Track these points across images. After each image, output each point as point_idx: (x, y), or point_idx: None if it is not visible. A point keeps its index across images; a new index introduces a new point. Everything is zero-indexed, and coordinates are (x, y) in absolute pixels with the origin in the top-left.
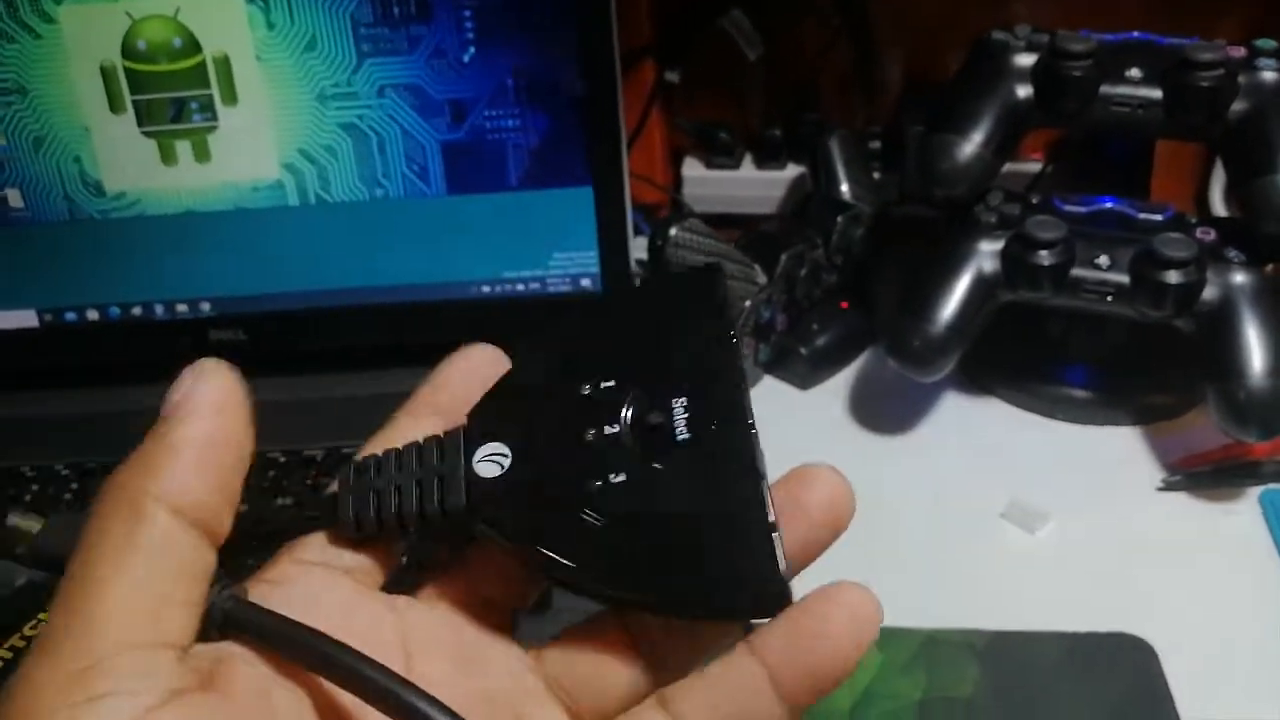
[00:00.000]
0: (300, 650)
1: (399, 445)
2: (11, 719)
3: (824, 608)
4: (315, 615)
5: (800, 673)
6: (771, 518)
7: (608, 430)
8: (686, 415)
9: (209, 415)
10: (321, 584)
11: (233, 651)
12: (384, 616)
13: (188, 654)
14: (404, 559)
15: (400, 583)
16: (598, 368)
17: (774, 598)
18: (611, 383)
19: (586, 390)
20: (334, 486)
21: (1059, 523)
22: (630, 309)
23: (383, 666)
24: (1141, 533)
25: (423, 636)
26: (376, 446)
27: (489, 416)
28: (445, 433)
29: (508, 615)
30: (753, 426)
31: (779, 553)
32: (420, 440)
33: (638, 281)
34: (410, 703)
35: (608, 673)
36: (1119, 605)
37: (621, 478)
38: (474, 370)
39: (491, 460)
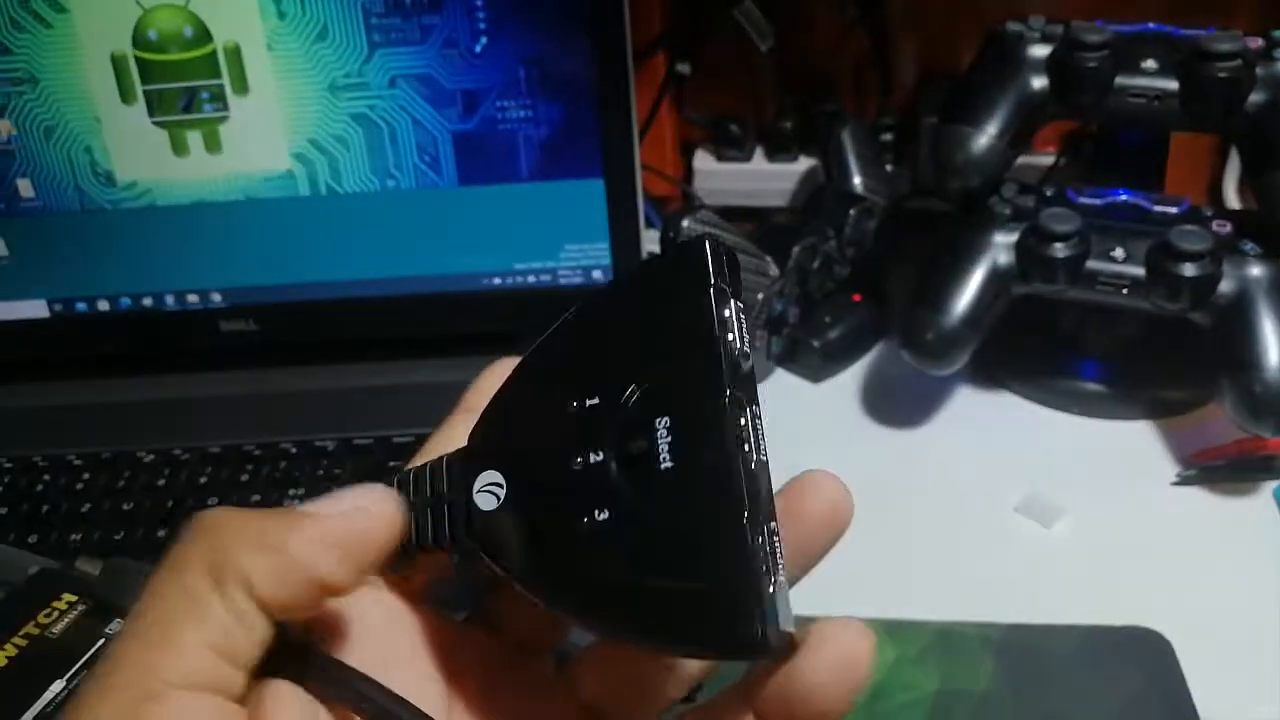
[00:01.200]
0: (342, 693)
1: (433, 457)
2: None
3: (813, 651)
4: (366, 638)
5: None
6: (760, 556)
7: (593, 459)
8: (669, 439)
9: (328, 524)
10: (372, 602)
11: (280, 691)
12: (426, 636)
13: (241, 698)
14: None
15: (454, 602)
16: (585, 378)
17: (758, 643)
18: (596, 400)
19: (574, 407)
20: None
21: (1074, 517)
22: (620, 302)
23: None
24: (1157, 527)
25: (460, 657)
26: (424, 455)
27: (487, 438)
28: (454, 454)
29: (542, 648)
30: (744, 436)
31: (766, 594)
32: (433, 460)
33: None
34: None
35: (643, 686)
36: (1134, 599)
37: (605, 515)
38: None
39: (489, 491)
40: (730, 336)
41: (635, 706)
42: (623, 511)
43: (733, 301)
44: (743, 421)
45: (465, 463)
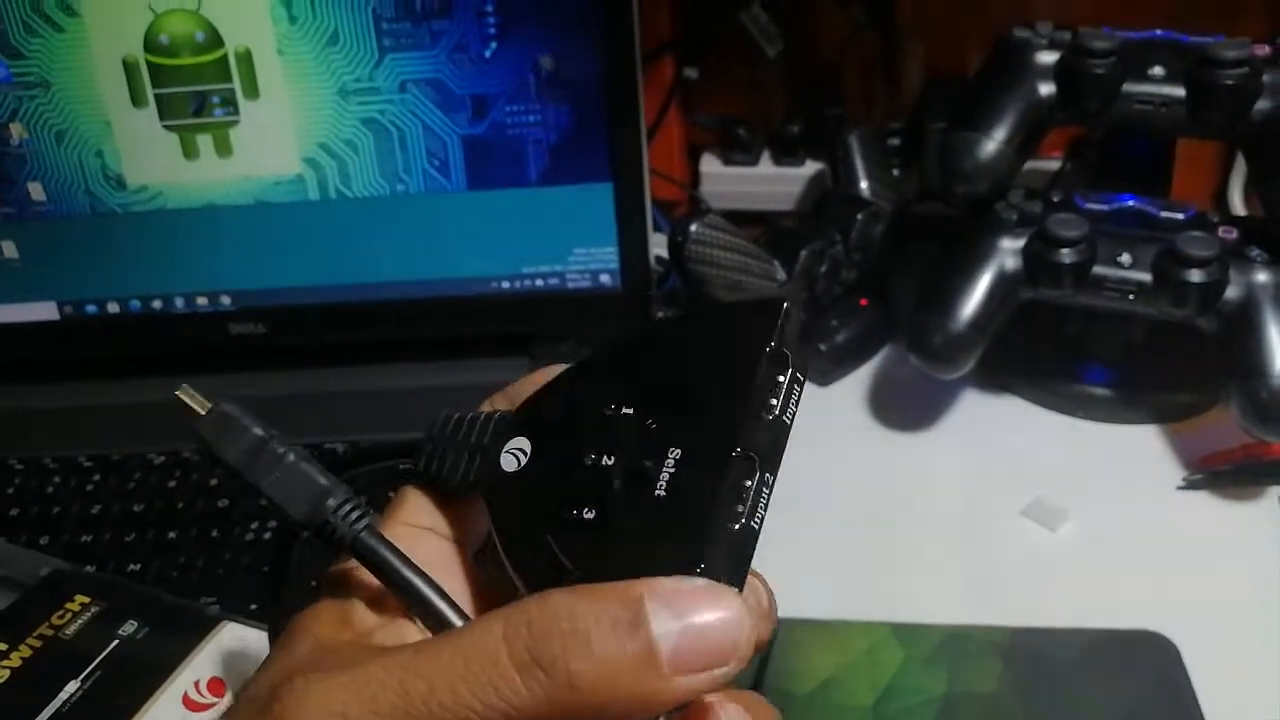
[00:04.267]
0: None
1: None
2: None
3: None
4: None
5: None
6: None
7: (603, 460)
8: (673, 471)
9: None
10: (431, 550)
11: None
12: (471, 586)
13: None
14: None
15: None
16: (630, 388)
17: None
18: (630, 410)
19: (610, 410)
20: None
21: (1080, 520)
22: (687, 333)
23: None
24: (1162, 531)
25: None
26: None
27: (533, 408)
28: (500, 412)
29: None
30: (743, 498)
31: None
32: (481, 412)
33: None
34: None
35: None
36: (1140, 603)
37: (591, 515)
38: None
39: (513, 453)
40: (772, 401)
41: None
42: (605, 520)
43: (791, 371)
44: (747, 484)
45: (506, 424)
